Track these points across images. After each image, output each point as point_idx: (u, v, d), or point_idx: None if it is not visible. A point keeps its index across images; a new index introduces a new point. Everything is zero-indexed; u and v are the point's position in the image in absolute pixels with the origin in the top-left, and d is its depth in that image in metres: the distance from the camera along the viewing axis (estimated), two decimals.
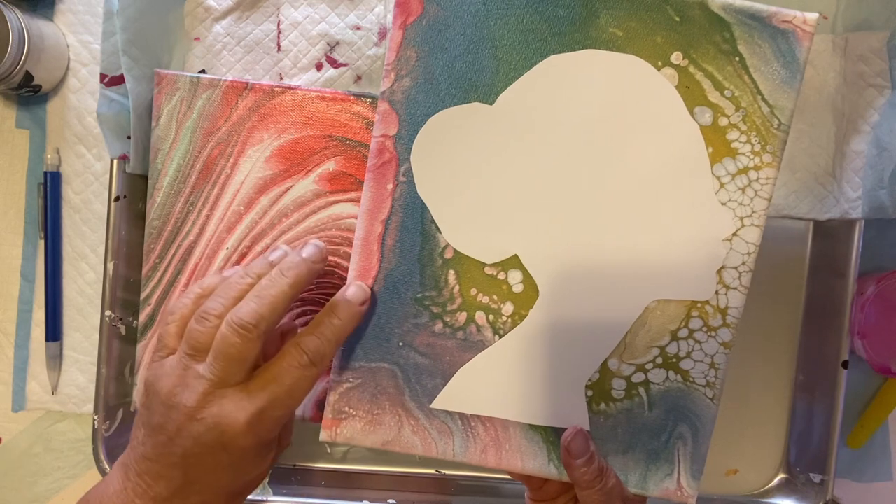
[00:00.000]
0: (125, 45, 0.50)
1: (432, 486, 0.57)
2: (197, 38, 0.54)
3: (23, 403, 0.58)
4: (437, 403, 0.41)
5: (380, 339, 0.41)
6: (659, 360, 0.41)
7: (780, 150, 0.40)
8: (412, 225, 0.41)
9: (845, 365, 0.53)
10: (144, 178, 0.51)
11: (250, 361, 0.37)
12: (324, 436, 0.42)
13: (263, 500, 0.54)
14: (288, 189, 0.50)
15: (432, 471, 0.57)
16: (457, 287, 0.41)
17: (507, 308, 0.41)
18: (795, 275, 0.57)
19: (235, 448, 0.36)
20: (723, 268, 0.40)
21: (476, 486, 0.57)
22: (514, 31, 0.40)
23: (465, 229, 0.41)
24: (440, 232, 0.41)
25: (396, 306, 0.41)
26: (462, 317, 0.41)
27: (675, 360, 0.41)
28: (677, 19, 0.39)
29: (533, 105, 0.40)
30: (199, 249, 0.50)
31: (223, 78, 0.50)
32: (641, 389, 0.41)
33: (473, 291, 0.41)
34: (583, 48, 0.40)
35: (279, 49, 0.55)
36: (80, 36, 0.57)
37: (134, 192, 0.53)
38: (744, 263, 0.40)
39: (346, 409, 0.41)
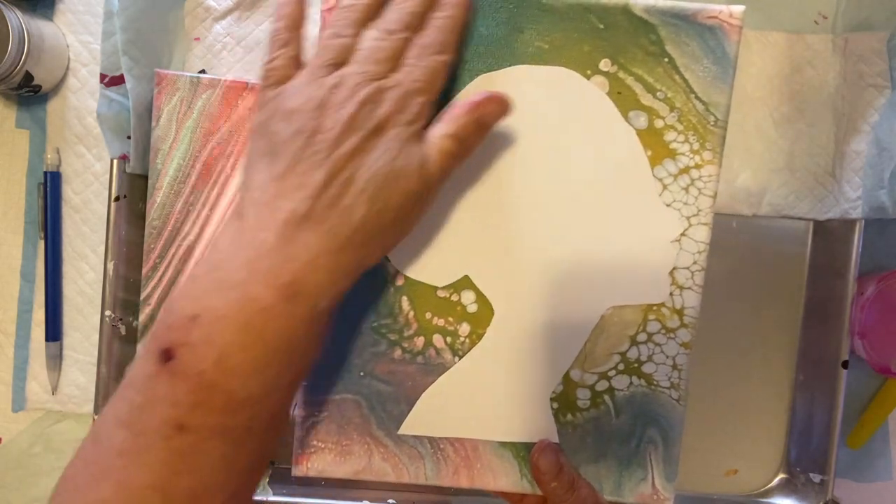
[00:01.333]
0: (125, 45, 0.50)
1: (432, 486, 0.57)
2: (197, 38, 0.54)
3: (23, 403, 0.58)
4: (404, 429, 0.41)
5: (340, 370, 0.41)
6: (621, 367, 0.41)
7: (719, 146, 0.39)
8: None
9: (845, 365, 0.53)
10: (144, 178, 0.51)
11: (389, 58, 0.36)
12: (296, 471, 0.41)
13: (263, 501, 0.55)
14: None
15: None
16: (411, 312, 0.41)
17: (464, 328, 0.41)
18: (795, 275, 0.57)
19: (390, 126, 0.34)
20: (674, 269, 0.40)
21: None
22: None
23: (412, 255, 0.40)
24: (389, 260, 0.40)
25: (354, 337, 0.41)
26: (420, 341, 0.41)
27: (636, 365, 0.41)
28: (601, 27, 0.39)
29: None
30: (199, 249, 0.50)
31: (223, 78, 0.50)
32: (606, 397, 0.41)
33: (428, 315, 0.41)
34: (510, 65, 0.39)
35: None
36: (80, 36, 0.57)
37: (134, 192, 0.53)
38: (695, 262, 0.40)
39: (315, 442, 0.41)
